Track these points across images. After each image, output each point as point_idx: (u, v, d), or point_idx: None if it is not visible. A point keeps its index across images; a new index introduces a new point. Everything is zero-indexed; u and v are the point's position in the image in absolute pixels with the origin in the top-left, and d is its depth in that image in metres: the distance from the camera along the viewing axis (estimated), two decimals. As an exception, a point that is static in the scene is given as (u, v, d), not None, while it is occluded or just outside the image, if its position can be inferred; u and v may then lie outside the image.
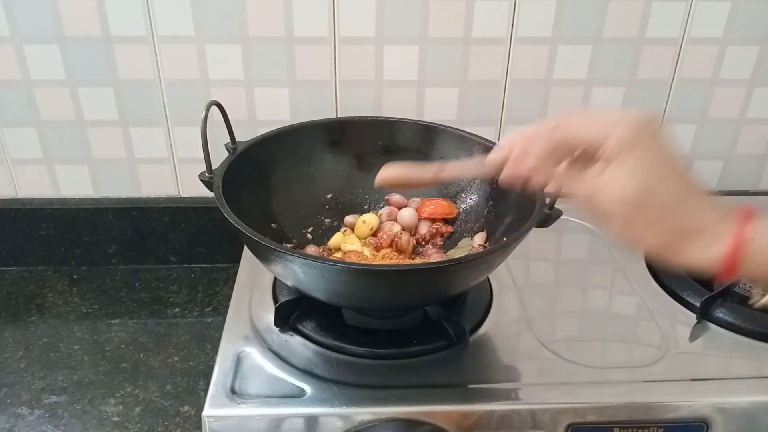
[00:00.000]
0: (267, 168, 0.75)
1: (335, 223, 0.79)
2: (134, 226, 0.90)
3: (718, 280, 0.44)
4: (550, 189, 0.48)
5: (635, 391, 0.62)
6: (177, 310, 0.85)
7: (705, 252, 0.44)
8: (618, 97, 0.90)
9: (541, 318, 0.71)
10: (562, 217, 0.64)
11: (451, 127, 0.78)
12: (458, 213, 0.78)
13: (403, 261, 0.72)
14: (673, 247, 0.45)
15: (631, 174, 0.44)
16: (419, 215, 0.77)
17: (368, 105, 0.87)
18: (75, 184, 0.90)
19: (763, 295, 0.47)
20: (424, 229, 0.77)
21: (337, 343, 0.65)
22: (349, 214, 0.79)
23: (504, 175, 0.49)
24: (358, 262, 0.70)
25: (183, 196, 0.92)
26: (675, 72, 0.89)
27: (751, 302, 0.46)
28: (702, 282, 0.75)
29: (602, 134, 0.44)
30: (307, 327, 0.68)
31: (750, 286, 0.73)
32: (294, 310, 0.68)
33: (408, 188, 0.60)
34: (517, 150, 0.48)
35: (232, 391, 0.60)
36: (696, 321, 0.71)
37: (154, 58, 0.82)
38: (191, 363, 0.76)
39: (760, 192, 0.98)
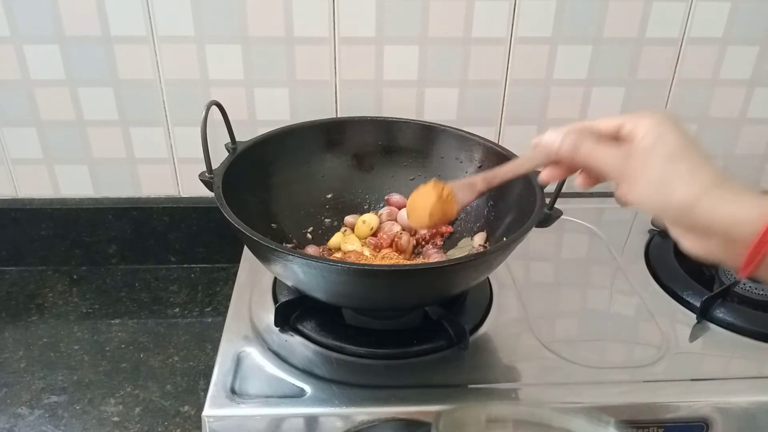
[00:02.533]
0: (267, 168, 0.75)
1: (335, 223, 0.79)
2: (134, 226, 0.90)
3: (742, 267, 0.42)
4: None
5: (635, 391, 0.62)
6: (177, 310, 0.85)
7: (744, 209, 0.42)
8: (618, 97, 0.90)
9: (541, 318, 0.71)
10: (562, 217, 0.64)
11: (451, 127, 0.78)
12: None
13: (403, 261, 0.72)
14: (709, 193, 0.43)
15: (667, 131, 0.45)
16: (419, 215, 0.77)
17: (368, 105, 0.87)
18: (75, 184, 0.90)
19: None
20: (423, 229, 0.77)
21: (337, 343, 0.65)
22: (349, 214, 0.79)
23: (544, 138, 0.51)
24: (358, 262, 0.70)
25: (183, 196, 0.92)
26: (675, 72, 0.89)
27: None
28: (702, 282, 0.75)
29: (629, 119, 0.47)
30: (307, 327, 0.68)
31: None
32: (294, 310, 0.68)
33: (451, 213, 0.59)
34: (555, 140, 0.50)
35: (232, 391, 0.60)
36: (696, 321, 0.71)
37: (154, 58, 0.82)
38: (191, 363, 0.76)
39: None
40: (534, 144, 0.52)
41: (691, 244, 0.46)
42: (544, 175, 0.53)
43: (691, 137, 0.46)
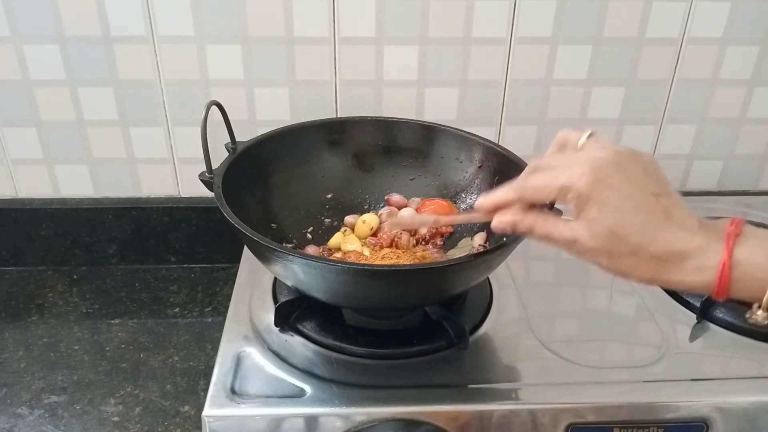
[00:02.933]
0: (267, 168, 0.75)
1: (335, 223, 0.79)
2: (134, 226, 0.90)
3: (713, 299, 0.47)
4: (535, 236, 0.51)
5: (635, 391, 0.62)
6: (177, 310, 0.85)
7: (694, 277, 0.45)
8: (618, 97, 0.90)
9: (541, 318, 0.71)
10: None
11: (451, 127, 0.78)
12: (458, 213, 0.78)
13: (403, 261, 0.72)
14: (661, 275, 0.46)
15: (597, 219, 0.46)
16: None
17: (368, 105, 0.87)
18: (75, 184, 0.90)
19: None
20: (424, 229, 0.77)
21: (337, 343, 0.65)
22: (349, 214, 0.79)
23: (493, 224, 0.52)
24: (358, 262, 0.70)
25: (183, 196, 0.92)
26: (675, 72, 0.89)
27: (749, 317, 0.48)
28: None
29: (563, 190, 0.47)
30: (307, 327, 0.68)
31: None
32: (294, 310, 0.68)
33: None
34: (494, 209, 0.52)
35: (232, 391, 0.60)
36: (696, 321, 0.71)
37: (154, 58, 0.82)
38: (191, 363, 0.76)
39: (760, 192, 0.98)
40: (477, 206, 0.53)
41: None
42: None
43: (629, 184, 0.45)
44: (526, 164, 0.70)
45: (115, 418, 0.69)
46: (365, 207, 0.81)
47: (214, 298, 0.87)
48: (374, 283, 0.59)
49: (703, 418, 0.60)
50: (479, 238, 0.74)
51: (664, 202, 0.46)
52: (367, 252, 0.73)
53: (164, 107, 0.86)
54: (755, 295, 0.45)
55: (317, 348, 0.66)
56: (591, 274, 0.80)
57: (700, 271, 0.45)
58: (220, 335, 0.67)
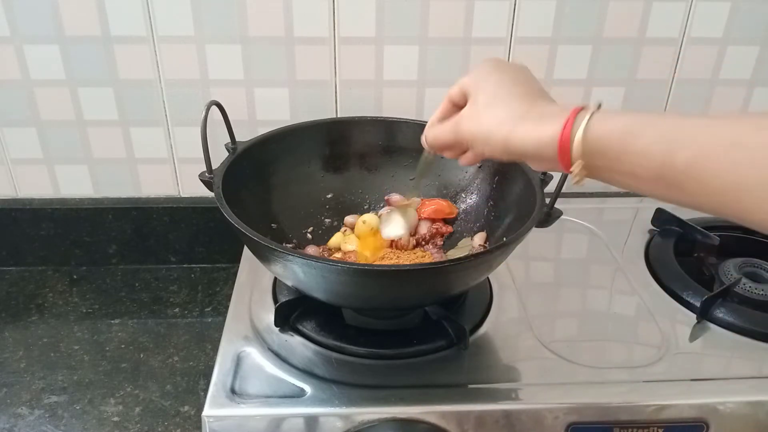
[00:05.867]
0: (267, 168, 0.75)
1: (335, 223, 0.79)
2: (134, 226, 0.90)
3: (562, 170, 0.47)
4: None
5: (635, 391, 0.62)
6: (177, 310, 0.85)
7: (544, 133, 0.47)
8: (618, 97, 0.90)
9: (541, 318, 0.71)
10: (562, 217, 0.64)
11: (451, 127, 0.78)
12: (458, 213, 0.78)
13: (403, 261, 0.72)
14: (517, 132, 0.48)
15: (482, 80, 0.53)
16: (419, 215, 0.77)
17: (368, 105, 0.87)
18: (75, 184, 0.90)
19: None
20: (424, 229, 0.77)
21: (337, 343, 0.65)
22: (349, 214, 0.79)
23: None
24: (358, 262, 0.70)
25: (183, 196, 0.92)
26: (675, 72, 0.89)
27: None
28: (702, 282, 0.75)
29: (459, 82, 0.57)
30: (307, 327, 0.68)
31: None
32: (294, 310, 0.68)
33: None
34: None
35: (232, 391, 0.60)
36: (696, 321, 0.71)
37: (154, 58, 0.82)
38: (191, 363, 0.76)
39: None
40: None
41: (533, 167, 0.53)
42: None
43: (508, 74, 0.53)
44: (527, 164, 0.70)
45: (115, 418, 0.69)
46: (365, 207, 0.81)
47: (214, 298, 0.87)
48: (374, 283, 0.59)
49: (703, 418, 0.60)
50: (479, 238, 0.74)
51: (540, 90, 0.55)
52: (367, 252, 0.73)
53: (164, 107, 0.86)
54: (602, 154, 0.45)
55: (317, 348, 0.66)
56: (591, 274, 0.80)
57: (549, 125, 0.47)
58: (220, 335, 0.67)
